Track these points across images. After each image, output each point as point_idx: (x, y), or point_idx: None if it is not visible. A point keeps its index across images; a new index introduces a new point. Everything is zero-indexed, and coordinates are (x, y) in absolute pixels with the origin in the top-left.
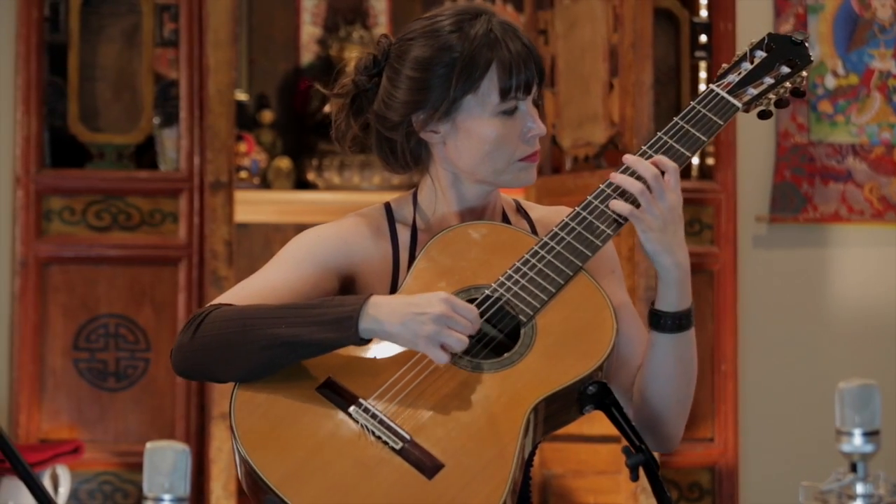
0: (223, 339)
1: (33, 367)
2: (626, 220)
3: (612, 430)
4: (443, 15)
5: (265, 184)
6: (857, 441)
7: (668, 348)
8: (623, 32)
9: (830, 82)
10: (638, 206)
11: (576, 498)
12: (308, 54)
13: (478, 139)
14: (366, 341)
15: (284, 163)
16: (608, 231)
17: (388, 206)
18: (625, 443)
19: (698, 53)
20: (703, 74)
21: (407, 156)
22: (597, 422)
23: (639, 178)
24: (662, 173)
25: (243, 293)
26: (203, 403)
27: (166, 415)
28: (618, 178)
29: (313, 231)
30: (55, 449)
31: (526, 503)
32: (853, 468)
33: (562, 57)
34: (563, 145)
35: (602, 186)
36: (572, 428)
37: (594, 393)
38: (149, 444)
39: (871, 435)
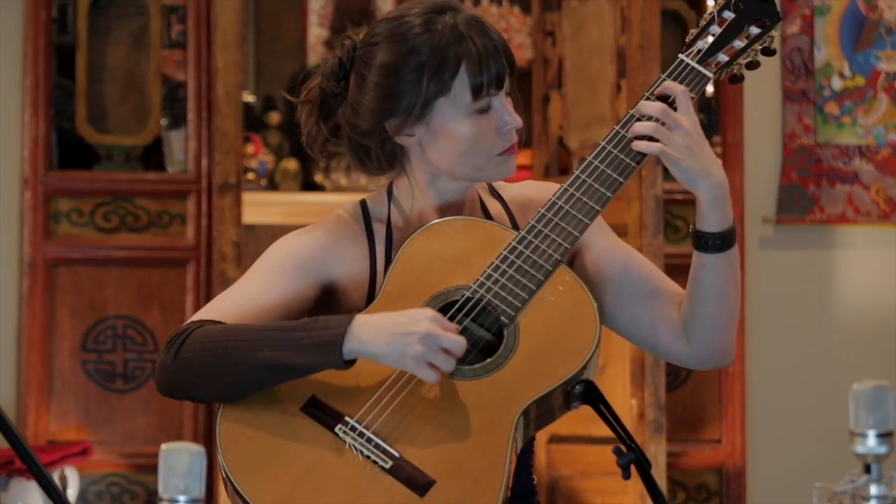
0: (205, 361)
1: (41, 369)
2: (637, 164)
3: None
4: (408, 15)
5: (272, 185)
6: (871, 442)
7: (716, 268)
8: (631, 34)
9: (837, 84)
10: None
11: (583, 499)
12: (315, 56)
13: (454, 140)
14: (350, 364)
15: (292, 164)
16: (608, 194)
17: (363, 204)
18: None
19: None
20: None
21: (382, 160)
22: (603, 423)
23: (648, 118)
24: (671, 103)
25: (224, 307)
26: (211, 405)
27: (174, 416)
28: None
29: (288, 238)
30: (63, 450)
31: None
32: (867, 469)
33: (569, 58)
34: (571, 147)
35: (590, 157)
36: (579, 429)
37: (581, 392)
38: (164, 446)
39: (884, 436)
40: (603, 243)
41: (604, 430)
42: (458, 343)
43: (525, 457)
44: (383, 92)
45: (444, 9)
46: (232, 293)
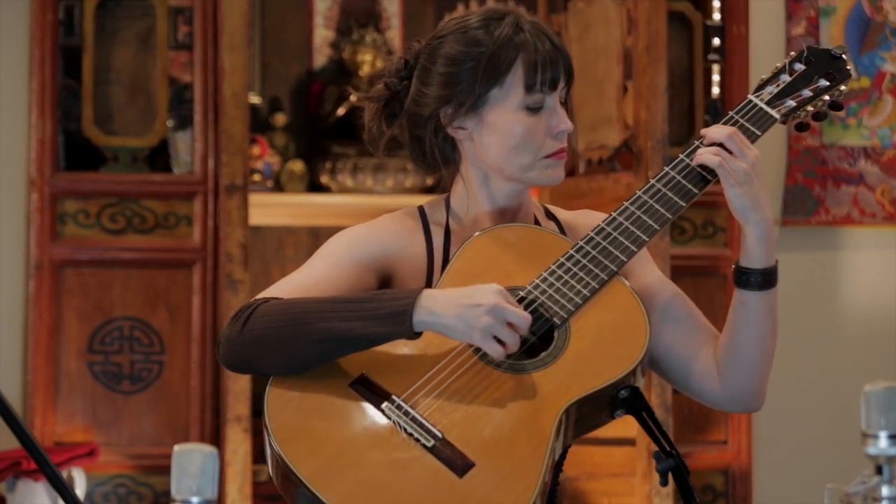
0: (274, 332)
1: (48, 370)
2: (699, 190)
3: (626, 432)
4: (473, 15)
5: (278, 187)
6: (883, 443)
7: (756, 306)
8: (637, 35)
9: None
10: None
11: (590, 500)
12: (321, 57)
13: (504, 134)
14: (418, 335)
15: (297, 166)
16: (668, 215)
17: (421, 209)
18: (655, 448)
19: (711, 56)
20: (716, 77)
21: (436, 153)
22: (611, 424)
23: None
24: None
25: (287, 287)
26: (217, 406)
27: (181, 417)
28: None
29: (351, 230)
30: (70, 451)
31: None
32: (878, 471)
33: (575, 60)
34: (577, 148)
35: (652, 181)
36: None
37: (626, 397)
38: (177, 447)
39: None
40: (649, 274)
41: (610, 432)
42: (524, 318)
43: (556, 467)
44: (444, 80)
45: (508, 13)
46: (293, 277)
